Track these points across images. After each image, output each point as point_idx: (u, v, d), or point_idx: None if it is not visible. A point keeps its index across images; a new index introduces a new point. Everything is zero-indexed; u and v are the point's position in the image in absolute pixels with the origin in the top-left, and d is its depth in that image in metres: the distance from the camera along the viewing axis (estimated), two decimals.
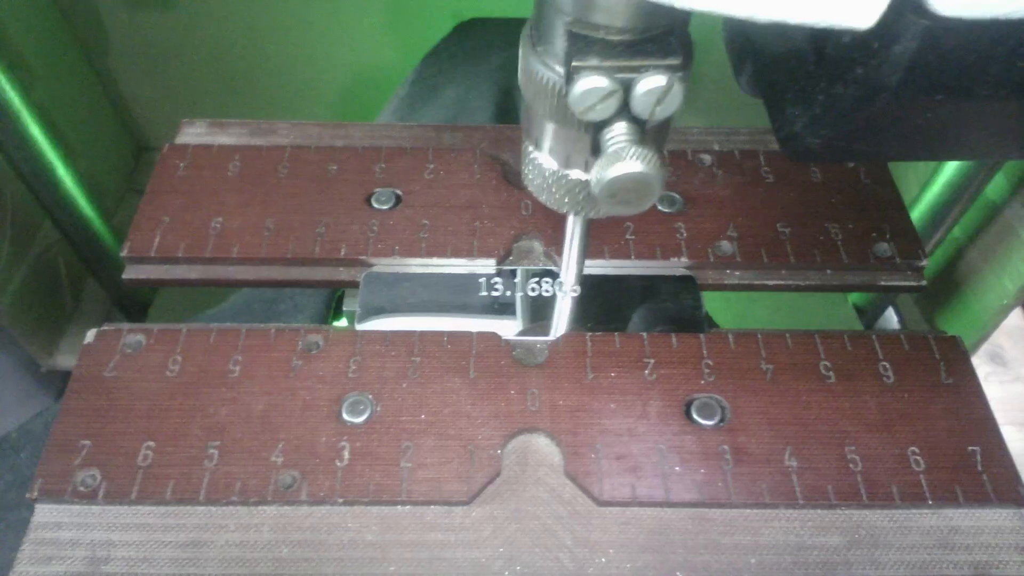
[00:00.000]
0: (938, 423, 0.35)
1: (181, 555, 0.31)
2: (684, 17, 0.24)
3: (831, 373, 0.36)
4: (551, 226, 0.42)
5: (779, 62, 0.25)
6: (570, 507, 0.33)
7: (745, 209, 0.42)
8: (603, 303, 0.39)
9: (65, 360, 0.64)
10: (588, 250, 0.36)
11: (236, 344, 0.37)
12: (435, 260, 0.40)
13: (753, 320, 0.64)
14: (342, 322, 0.49)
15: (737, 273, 0.41)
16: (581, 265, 0.36)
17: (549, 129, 0.28)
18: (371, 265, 0.41)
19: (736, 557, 0.32)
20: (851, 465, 0.33)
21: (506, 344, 0.37)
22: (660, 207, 0.42)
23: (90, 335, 0.37)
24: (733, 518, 0.33)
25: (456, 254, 0.40)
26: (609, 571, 0.31)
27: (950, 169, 0.52)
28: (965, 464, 0.34)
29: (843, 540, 0.32)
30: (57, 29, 0.69)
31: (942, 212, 0.52)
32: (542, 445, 0.34)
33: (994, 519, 0.33)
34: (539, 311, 0.39)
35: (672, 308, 0.39)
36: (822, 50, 0.22)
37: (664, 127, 0.28)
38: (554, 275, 0.40)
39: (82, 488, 0.32)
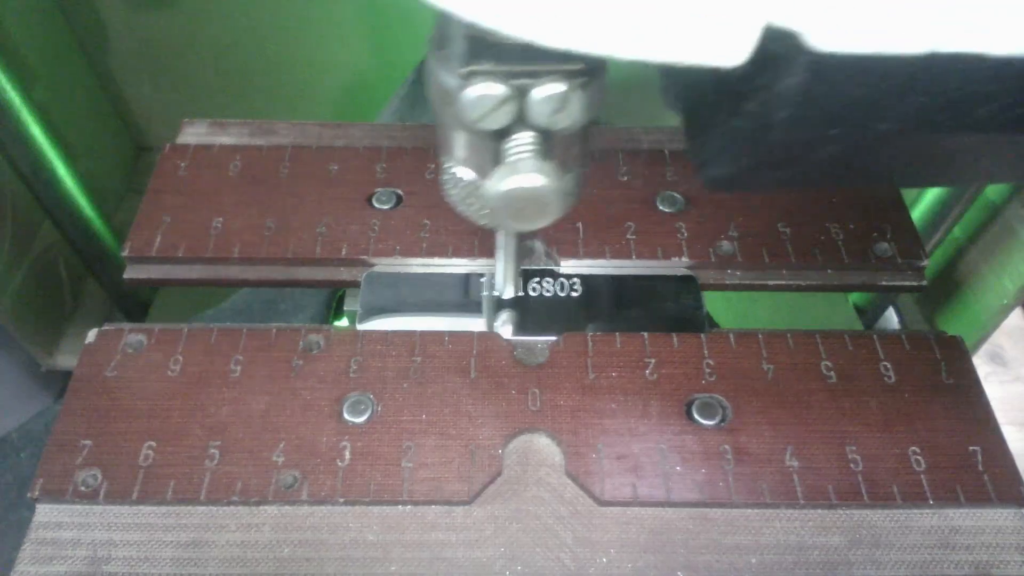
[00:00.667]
0: (939, 423, 0.35)
1: (182, 555, 0.31)
2: None
3: (832, 373, 0.36)
4: (552, 226, 0.41)
5: (689, 91, 0.24)
6: (571, 507, 0.33)
7: (746, 209, 0.42)
8: (604, 303, 0.39)
9: (65, 360, 0.64)
10: (521, 258, 0.34)
11: (237, 344, 0.37)
12: (436, 260, 0.40)
13: (754, 320, 0.64)
14: (343, 322, 0.49)
15: (738, 273, 0.41)
16: (516, 273, 0.35)
17: (459, 138, 0.26)
18: (372, 265, 0.41)
19: (737, 557, 0.32)
20: (852, 465, 0.33)
21: (507, 344, 0.37)
22: (661, 207, 0.42)
23: (91, 335, 0.37)
24: (734, 518, 0.33)
25: (457, 254, 0.40)
26: (610, 571, 0.31)
27: None
28: (966, 464, 0.34)
29: (844, 540, 0.32)
30: (57, 29, 0.69)
31: (942, 212, 0.52)
32: (543, 445, 0.34)
33: (995, 519, 0.33)
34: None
35: (673, 308, 0.39)
36: (722, 83, 0.21)
37: (580, 138, 0.26)
38: (555, 275, 0.40)
39: (83, 488, 0.32)
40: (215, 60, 0.74)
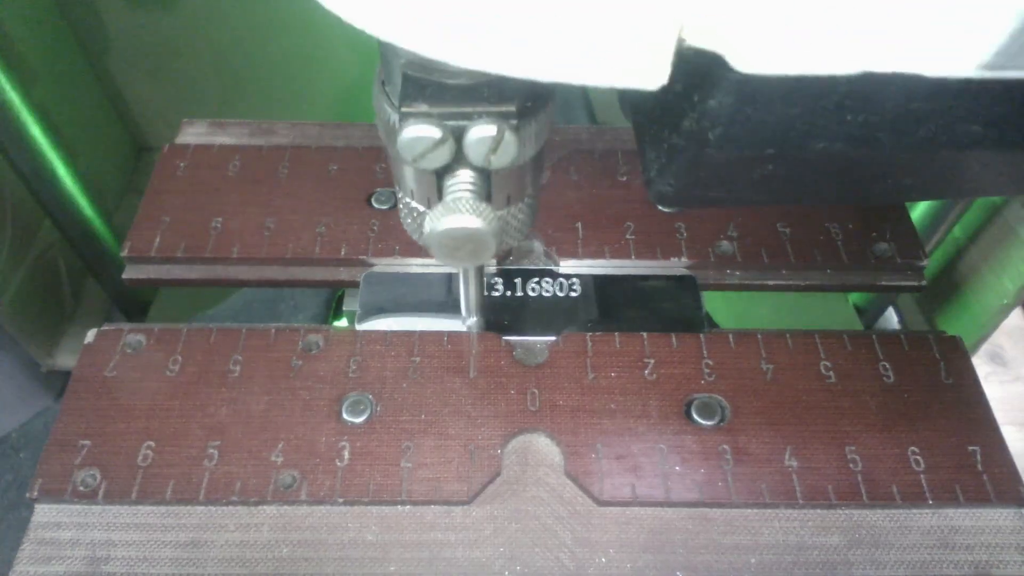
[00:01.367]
0: (938, 423, 0.35)
1: (181, 555, 0.31)
2: None
3: (831, 373, 0.36)
4: (552, 226, 0.42)
5: (639, 107, 0.24)
6: (570, 507, 0.33)
7: (746, 209, 0.42)
8: (603, 303, 0.39)
9: (65, 360, 0.64)
10: (483, 284, 0.35)
11: (236, 344, 0.37)
12: (435, 260, 0.40)
13: (753, 320, 0.63)
14: (342, 322, 0.49)
15: (737, 273, 0.41)
16: (480, 302, 0.35)
17: (406, 172, 0.26)
18: (371, 265, 0.41)
19: (736, 557, 0.31)
20: (851, 465, 0.33)
21: (506, 344, 0.37)
22: (660, 207, 0.42)
23: (90, 335, 0.37)
24: (733, 518, 0.33)
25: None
26: (609, 571, 0.31)
27: None
28: (965, 464, 0.34)
29: (843, 540, 0.32)
30: (57, 29, 0.69)
31: (942, 212, 0.52)
32: (542, 445, 0.34)
33: (994, 519, 0.33)
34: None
35: (672, 308, 0.39)
36: (664, 100, 0.21)
37: (528, 170, 0.26)
38: (554, 275, 0.40)
39: (82, 488, 0.32)
40: (215, 60, 0.74)
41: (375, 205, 0.42)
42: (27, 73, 0.60)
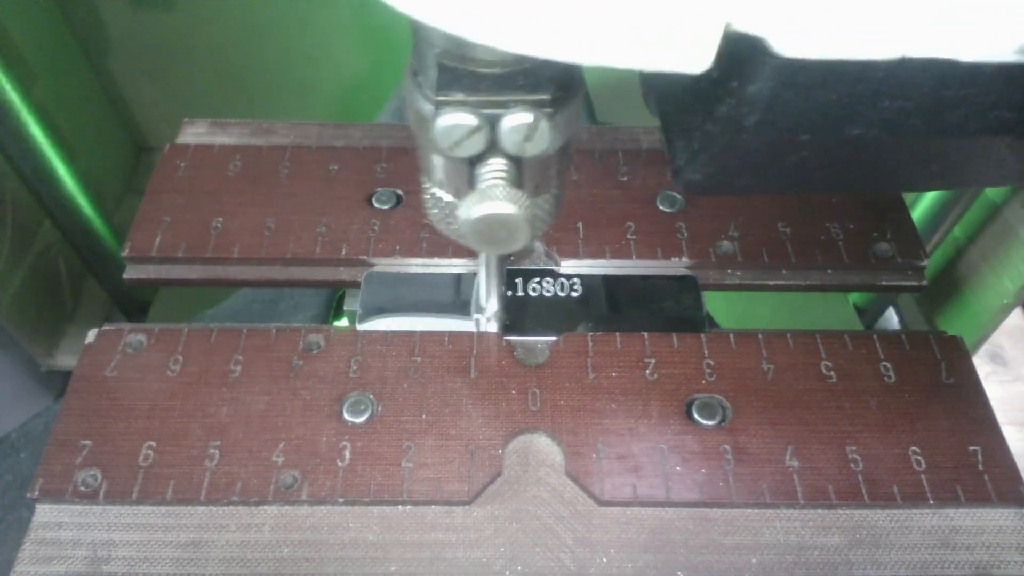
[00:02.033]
0: (939, 423, 0.35)
1: (182, 555, 0.31)
2: None
3: (832, 373, 0.36)
4: (552, 226, 0.41)
5: (668, 96, 0.24)
6: (571, 507, 0.33)
7: (746, 209, 0.42)
8: (604, 303, 0.39)
9: (65, 360, 0.64)
10: (504, 275, 0.35)
11: (237, 344, 0.37)
12: (436, 260, 0.40)
13: (754, 320, 0.63)
14: (343, 322, 0.49)
15: (738, 273, 0.41)
16: (501, 292, 0.35)
17: (436, 162, 0.27)
18: (372, 265, 0.41)
19: (737, 557, 0.31)
20: (852, 465, 0.33)
21: (507, 344, 0.37)
22: (661, 207, 0.42)
23: (91, 335, 0.37)
24: (734, 518, 0.33)
25: (457, 254, 0.40)
26: (610, 571, 0.31)
27: None
28: (966, 464, 0.34)
29: (844, 540, 0.32)
30: (57, 29, 0.69)
31: (942, 212, 0.52)
32: (543, 445, 0.34)
33: (995, 519, 0.33)
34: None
35: (673, 308, 0.39)
36: (697, 88, 0.21)
37: (555, 161, 0.27)
38: (554, 275, 0.40)
39: (83, 488, 0.32)
40: (215, 60, 0.74)
41: (375, 205, 0.42)
42: (27, 73, 0.60)
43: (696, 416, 0.35)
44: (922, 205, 0.54)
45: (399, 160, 0.45)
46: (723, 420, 0.35)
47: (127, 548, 0.31)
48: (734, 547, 0.32)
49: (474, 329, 0.38)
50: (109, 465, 0.33)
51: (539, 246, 0.41)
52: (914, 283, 0.41)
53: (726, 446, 0.34)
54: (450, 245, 0.41)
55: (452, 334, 0.37)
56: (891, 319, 0.63)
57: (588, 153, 0.45)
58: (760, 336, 0.38)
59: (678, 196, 0.43)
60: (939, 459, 0.34)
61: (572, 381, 0.36)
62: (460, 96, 0.22)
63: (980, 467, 0.33)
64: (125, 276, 0.41)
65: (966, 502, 0.33)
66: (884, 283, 0.41)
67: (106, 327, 0.38)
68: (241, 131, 0.47)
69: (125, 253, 0.40)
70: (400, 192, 0.43)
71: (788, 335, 0.38)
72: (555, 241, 0.41)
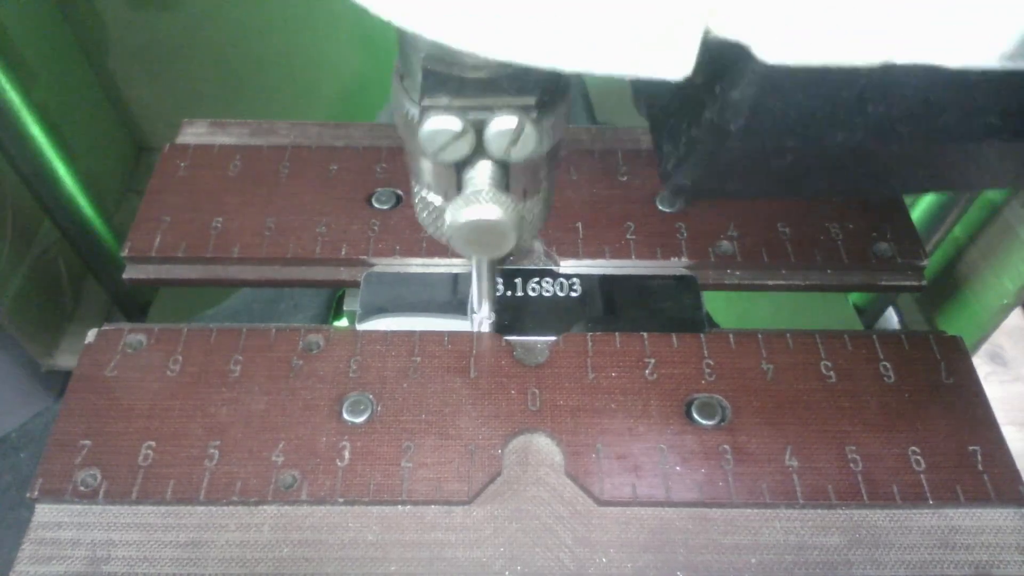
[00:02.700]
0: (938, 423, 0.35)
1: (181, 555, 0.31)
2: None
3: (832, 373, 0.36)
4: (552, 226, 0.42)
5: (656, 101, 0.24)
6: (571, 507, 0.33)
7: (745, 209, 0.42)
8: (603, 303, 0.39)
9: (65, 360, 0.64)
10: (496, 278, 0.35)
11: (236, 344, 0.37)
12: (436, 260, 0.40)
13: (754, 320, 0.64)
14: (343, 322, 0.49)
15: (738, 273, 0.41)
16: (492, 295, 0.35)
17: (424, 165, 0.27)
18: (372, 265, 0.41)
19: (737, 557, 0.31)
20: (851, 465, 0.33)
21: (507, 344, 0.37)
22: (661, 207, 0.42)
23: (91, 335, 0.37)
24: (734, 518, 0.33)
25: (456, 254, 0.40)
26: (610, 571, 0.31)
27: None
28: (966, 464, 0.34)
29: (844, 540, 0.32)
30: (57, 29, 0.69)
31: (942, 212, 0.52)
32: (543, 445, 0.34)
33: (995, 519, 0.33)
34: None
35: (673, 308, 0.39)
36: (683, 93, 0.21)
37: (543, 163, 0.26)
38: (554, 275, 0.40)
39: (82, 488, 0.32)
40: (215, 60, 0.75)
41: (375, 205, 0.42)
42: (27, 73, 0.60)
43: (696, 416, 0.35)
44: (922, 205, 0.54)
45: (399, 160, 0.45)
46: (723, 420, 0.35)
47: (127, 548, 0.31)
48: (734, 547, 0.32)
49: (473, 329, 0.38)
50: (109, 465, 0.33)
51: (539, 246, 0.41)
52: (914, 283, 0.41)
53: (726, 446, 0.34)
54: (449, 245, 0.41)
55: (452, 334, 0.37)
56: (891, 319, 0.63)
57: (588, 153, 0.45)
58: (760, 336, 0.38)
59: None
60: (939, 459, 0.34)
61: (572, 381, 0.36)
62: (445, 100, 0.22)
63: (980, 467, 0.33)
64: (125, 276, 0.41)
65: (966, 502, 0.33)
66: (884, 283, 0.41)
67: (106, 327, 0.38)
68: (241, 131, 0.47)
69: (125, 253, 0.40)
70: (400, 192, 0.43)
71: (788, 335, 0.38)
72: (555, 241, 0.41)
